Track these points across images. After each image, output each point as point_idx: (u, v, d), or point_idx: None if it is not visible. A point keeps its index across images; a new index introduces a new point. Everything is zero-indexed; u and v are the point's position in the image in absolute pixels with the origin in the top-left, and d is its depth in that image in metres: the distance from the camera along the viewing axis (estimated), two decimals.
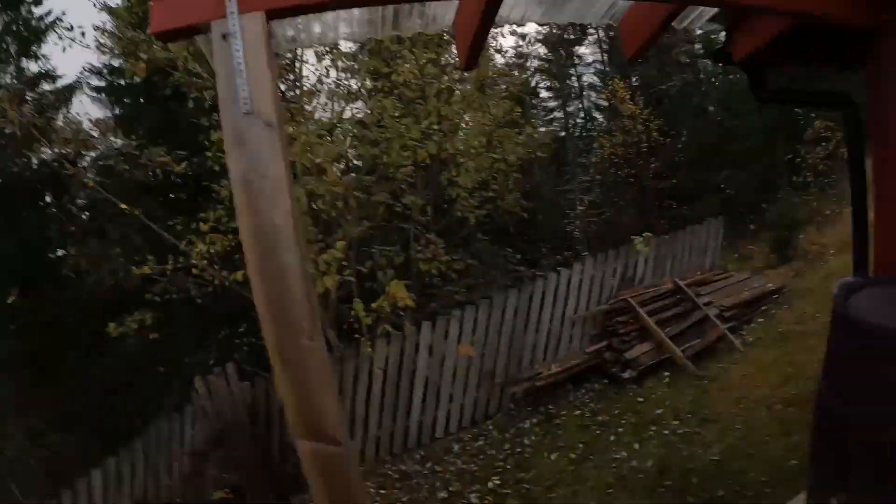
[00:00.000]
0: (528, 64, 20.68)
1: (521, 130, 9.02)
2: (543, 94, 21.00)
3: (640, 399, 6.83)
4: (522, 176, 10.57)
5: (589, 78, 21.05)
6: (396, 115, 7.55)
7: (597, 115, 21.08)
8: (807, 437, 2.63)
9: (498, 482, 5.84)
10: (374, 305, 6.48)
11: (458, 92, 7.88)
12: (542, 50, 20.69)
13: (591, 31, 19.71)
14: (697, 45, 16.58)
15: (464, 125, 8.07)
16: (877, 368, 2.12)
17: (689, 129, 15.64)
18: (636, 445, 5.86)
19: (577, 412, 6.92)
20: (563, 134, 19.82)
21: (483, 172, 8.01)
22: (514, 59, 19.82)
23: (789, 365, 6.55)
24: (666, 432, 5.97)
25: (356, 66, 8.28)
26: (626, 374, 7.26)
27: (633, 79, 18.50)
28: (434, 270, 7.65)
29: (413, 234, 7.67)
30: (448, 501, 5.88)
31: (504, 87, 10.09)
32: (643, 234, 8.07)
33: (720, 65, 3.29)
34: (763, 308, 8.42)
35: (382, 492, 6.25)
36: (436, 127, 7.21)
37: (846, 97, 3.19)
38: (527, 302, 7.62)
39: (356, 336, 6.90)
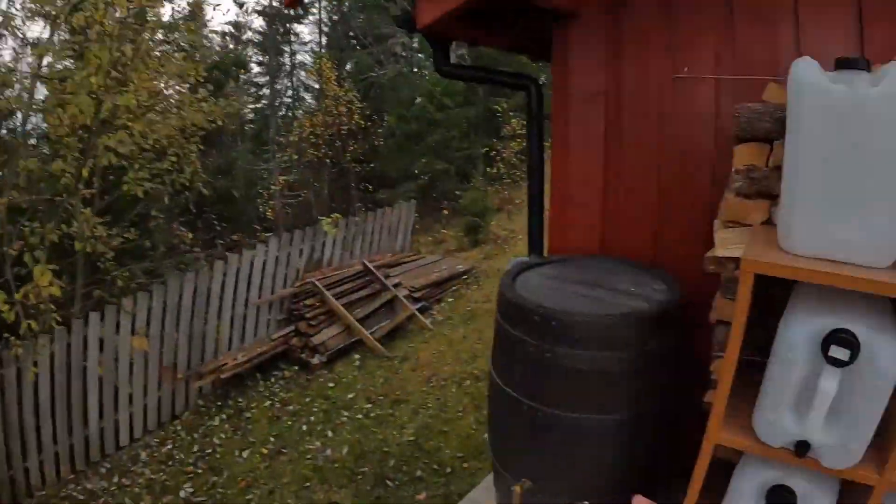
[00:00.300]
0: (244, 36, 19.41)
1: (203, 97, 8.03)
2: (255, 68, 19.87)
3: (332, 384, 6.72)
4: (208, 149, 9.59)
5: (303, 57, 20.48)
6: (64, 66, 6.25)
7: (305, 95, 20.62)
8: None
9: (191, 490, 5.31)
10: (16, 296, 5.28)
11: (128, 45, 6.68)
12: (259, 22, 19.55)
13: (314, 10, 19.19)
14: (415, 40, 17.11)
15: (132, 82, 6.84)
16: (534, 345, 2.10)
17: (393, 117, 16.02)
18: (330, 433, 5.77)
19: (268, 403, 6.57)
20: (268, 112, 18.97)
21: (151, 139, 6.98)
22: (230, 29, 18.55)
23: (478, 341, 7.00)
24: (359, 416, 5.98)
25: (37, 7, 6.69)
26: (316, 360, 7.07)
27: (348, 64, 18.46)
28: (90, 250, 6.48)
29: (78, 208, 6.34)
30: None
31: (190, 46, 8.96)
32: (331, 216, 7.86)
33: (406, 31, 3.10)
34: (453, 288, 8.90)
35: None
36: (93, 80, 6.05)
37: (530, 78, 3.26)
38: (206, 286, 6.89)
39: (4, 336, 5.58)
